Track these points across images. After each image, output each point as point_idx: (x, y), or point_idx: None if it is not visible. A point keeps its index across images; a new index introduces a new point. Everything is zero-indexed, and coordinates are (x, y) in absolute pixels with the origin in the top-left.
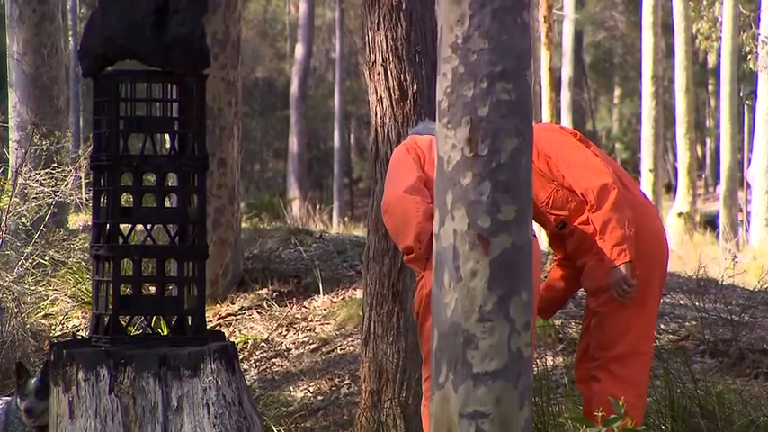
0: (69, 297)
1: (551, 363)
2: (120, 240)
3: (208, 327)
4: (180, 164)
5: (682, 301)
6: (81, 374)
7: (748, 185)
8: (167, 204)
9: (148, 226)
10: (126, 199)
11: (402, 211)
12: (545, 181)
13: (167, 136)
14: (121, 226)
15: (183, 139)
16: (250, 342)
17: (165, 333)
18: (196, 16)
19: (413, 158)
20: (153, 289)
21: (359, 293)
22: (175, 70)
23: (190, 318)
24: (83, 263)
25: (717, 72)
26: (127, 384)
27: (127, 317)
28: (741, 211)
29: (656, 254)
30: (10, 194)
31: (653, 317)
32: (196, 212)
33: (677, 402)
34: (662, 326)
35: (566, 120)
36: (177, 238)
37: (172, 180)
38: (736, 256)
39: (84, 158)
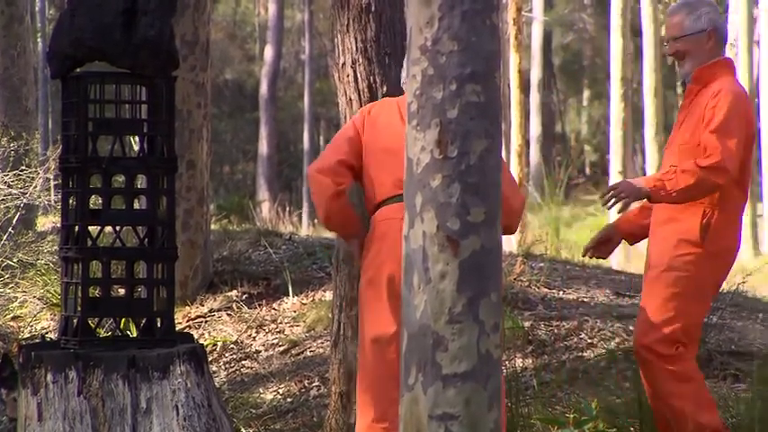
0: (38, 299)
1: (521, 364)
2: (89, 242)
3: (177, 329)
4: (149, 166)
5: None
6: (49, 377)
7: None
8: (136, 206)
9: (117, 228)
10: (95, 201)
11: (314, 188)
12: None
13: (136, 138)
14: (90, 228)
15: (152, 140)
16: (219, 344)
17: (134, 335)
18: (165, 18)
19: (352, 133)
20: (122, 291)
21: (328, 295)
22: (144, 72)
23: (159, 320)
24: (51, 265)
25: None
26: (95, 386)
27: (96, 319)
28: None
29: (731, 253)
30: None
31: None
32: (165, 214)
33: (646, 404)
34: (631, 327)
35: (535, 121)
36: (146, 239)
37: (141, 182)
38: None
39: (53, 160)
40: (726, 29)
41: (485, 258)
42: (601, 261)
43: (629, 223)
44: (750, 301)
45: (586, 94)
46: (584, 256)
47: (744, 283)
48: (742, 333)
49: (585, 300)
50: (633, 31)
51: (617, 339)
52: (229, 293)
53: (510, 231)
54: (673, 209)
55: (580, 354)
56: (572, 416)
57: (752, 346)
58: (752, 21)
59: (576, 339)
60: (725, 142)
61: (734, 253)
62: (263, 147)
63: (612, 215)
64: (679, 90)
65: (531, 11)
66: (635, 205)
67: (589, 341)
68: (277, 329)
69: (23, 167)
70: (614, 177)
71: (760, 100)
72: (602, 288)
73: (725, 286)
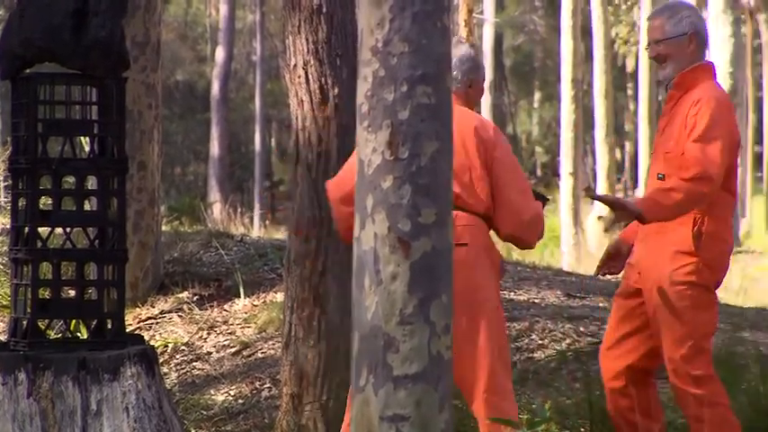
0: None
1: None
2: (39, 243)
3: (127, 330)
4: (99, 167)
5: (601, 304)
6: None
7: None
8: (87, 207)
9: (67, 229)
10: (45, 202)
11: (341, 224)
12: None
13: (87, 139)
14: (40, 229)
15: (103, 141)
16: (170, 346)
17: (85, 337)
18: (115, 19)
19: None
20: (72, 292)
21: (280, 297)
22: (95, 73)
23: (109, 321)
24: (1, 266)
25: (635, 76)
26: (45, 388)
27: (46, 320)
28: None
29: (726, 257)
30: None
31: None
32: (116, 216)
33: (596, 405)
34: (581, 328)
35: None
36: (97, 241)
37: (91, 183)
38: None
39: (3, 161)
40: (707, 33)
41: (436, 260)
42: (551, 263)
43: (635, 234)
44: None
45: (537, 95)
46: (596, 275)
47: None
48: None
49: (536, 301)
50: (584, 32)
51: (567, 340)
52: (180, 295)
53: (522, 243)
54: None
55: (531, 355)
56: (524, 417)
57: None
58: None
59: (526, 340)
60: (706, 150)
61: (728, 255)
62: (215, 148)
63: (564, 214)
64: (629, 92)
65: (482, 13)
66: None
67: (540, 342)
68: (228, 331)
69: None
70: (565, 179)
71: None
72: (553, 289)
73: None
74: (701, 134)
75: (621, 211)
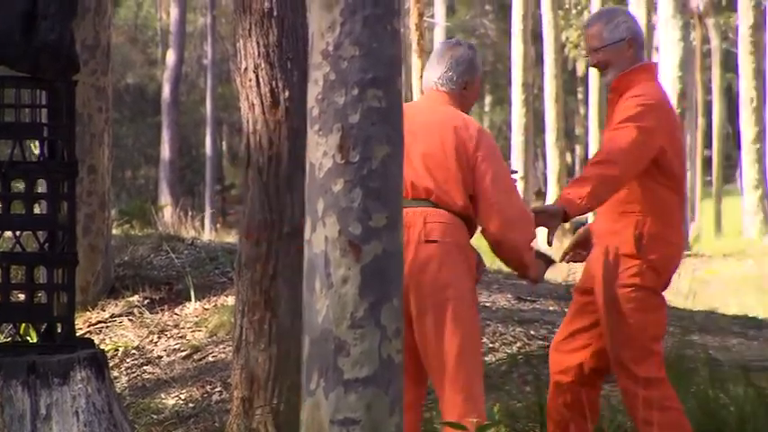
0: None
1: None
2: None
3: (78, 334)
4: (49, 170)
5: (551, 308)
6: None
7: None
8: (37, 211)
9: (17, 233)
10: None
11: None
12: None
13: (36, 142)
14: None
15: (53, 145)
16: (121, 349)
17: (34, 341)
18: (65, 22)
19: None
20: (22, 296)
21: (231, 300)
22: (45, 76)
23: (59, 325)
24: None
25: (586, 80)
26: None
27: None
28: None
29: (672, 259)
30: None
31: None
32: (66, 219)
33: (546, 408)
34: (532, 332)
35: None
36: (47, 244)
37: (41, 187)
38: None
39: None
40: (643, 35)
41: (387, 263)
42: (502, 266)
43: None
44: None
45: (488, 99)
46: (561, 261)
47: None
48: None
49: (487, 304)
50: (534, 37)
51: (518, 344)
52: (131, 298)
53: (508, 245)
54: (610, 220)
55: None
56: (474, 420)
57: None
58: (650, 28)
59: None
60: (615, 137)
61: (676, 257)
62: (166, 151)
63: None
64: (580, 96)
65: (432, 16)
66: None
67: (491, 345)
68: (179, 335)
69: None
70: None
71: None
72: (504, 293)
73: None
74: (616, 125)
75: (545, 217)
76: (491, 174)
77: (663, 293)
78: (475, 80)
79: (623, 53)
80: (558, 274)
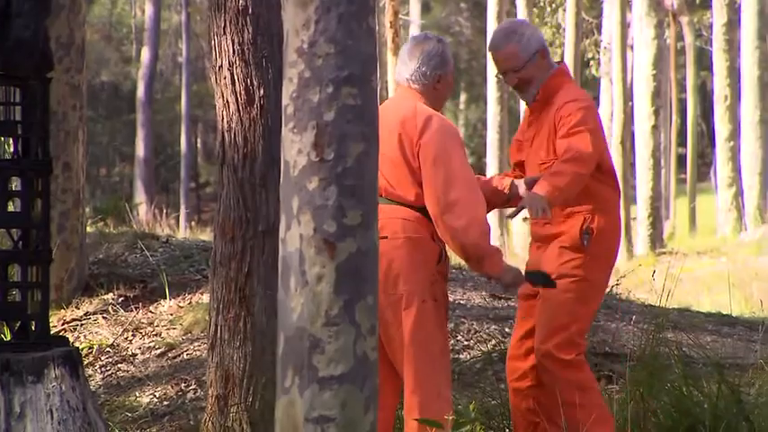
0: None
1: None
2: None
3: (52, 332)
4: (23, 168)
5: None
6: None
7: None
8: (10, 208)
9: None
10: None
11: None
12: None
13: (10, 140)
14: None
15: (27, 142)
16: (95, 347)
17: (8, 339)
18: (39, 19)
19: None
20: None
21: (206, 298)
22: (18, 73)
23: (33, 323)
24: None
25: None
26: None
27: None
28: None
29: (614, 253)
30: None
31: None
32: (40, 217)
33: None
34: (507, 329)
35: None
36: (21, 242)
37: (15, 184)
38: None
39: None
40: (545, 40)
41: (361, 261)
42: None
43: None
44: (624, 303)
45: (463, 97)
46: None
47: (617, 285)
48: (615, 335)
49: (462, 302)
50: None
51: (493, 341)
52: (105, 296)
53: (442, 226)
54: (555, 223)
55: (456, 356)
56: (449, 417)
57: (625, 348)
58: (625, 25)
59: (452, 341)
60: (573, 140)
61: (616, 253)
62: (140, 149)
63: (489, 216)
64: None
65: (408, 14)
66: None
67: (465, 343)
68: (154, 332)
69: None
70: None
71: (633, 103)
72: (479, 290)
73: None
74: (567, 131)
75: (540, 203)
76: (431, 158)
77: (602, 290)
78: (447, 74)
79: (540, 65)
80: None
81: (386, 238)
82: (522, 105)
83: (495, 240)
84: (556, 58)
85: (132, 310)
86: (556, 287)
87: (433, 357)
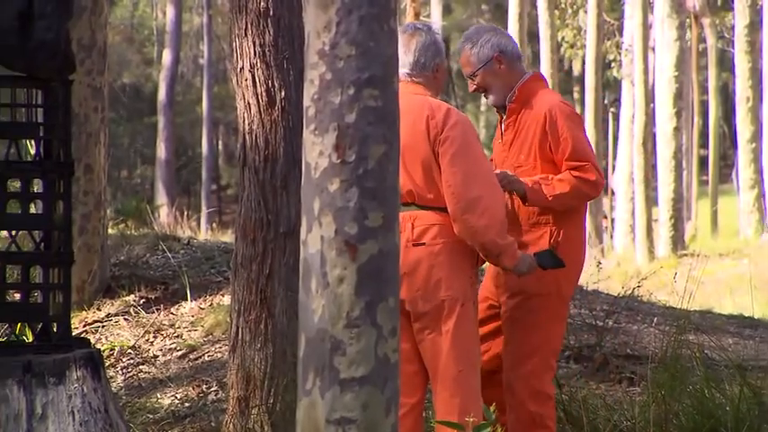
0: None
1: None
2: None
3: (74, 334)
4: (45, 170)
5: None
6: None
7: (613, 192)
8: (32, 210)
9: (13, 232)
10: None
11: None
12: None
13: (32, 142)
14: None
15: (49, 144)
16: (117, 349)
17: (30, 340)
18: (61, 21)
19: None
20: (17, 296)
21: (227, 300)
22: (41, 75)
23: (55, 325)
24: None
25: (582, 80)
26: None
27: None
28: (606, 217)
29: (581, 263)
30: None
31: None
32: (62, 219)
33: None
34: None
35: None
36: (42, 244)
37: (37, 186)
38: (600, 263)
39: None
40: (515, 45)
41: (383, 263)
42: None
43: None
44: (645, 305)
45: (484, 99)
46: None
47: (639, 287)
48: (637, 337)
49: None
50: (530, 36)
51: None
52: (127, 298)
53: (461, 224)
54: (519, 233)
55: None
56: (470, 419)
57: (646, 350)
58: (646, 27)
59: None
60: (592, 160)
61: (583, 262)
62: (162, 151)
63: None
64: (576, 95)
65: (429, 16)
66: None
67: None
68: (175, 334)
69: None
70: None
71: (655, 104)
72: None
73: (621, 290)
74: (576, 148)
75: (507, 178)
76: (450, 155)
77: (569, 304)
78: (443, 62)
79: (496, 71)
80: None
81: (424, 244)
82: None
83: None
84: (577, 61)
85: (153, 312)
86: (565, 266)
87: (472, 360)
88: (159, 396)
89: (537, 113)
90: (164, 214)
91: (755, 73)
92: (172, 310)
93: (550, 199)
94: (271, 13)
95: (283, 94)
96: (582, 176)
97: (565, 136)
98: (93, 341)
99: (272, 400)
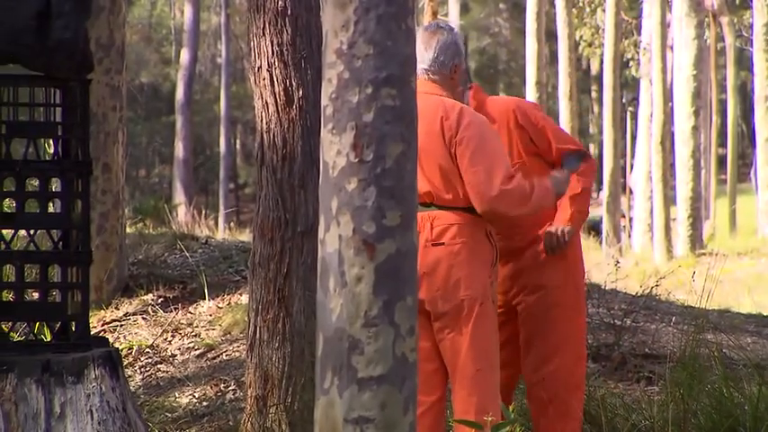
0: None
1: None
2: (3, 246)
3: (92, 333)
4: (63, 169)
5: None
6: None
7: (631, 191)
8: (51, 210)
9: (31, 231)
10: (8, 204)
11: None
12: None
13: (51, 141)
14: (4, 231)
15: (67, 143)
16: (135, 348)
17: (49, 339)
18: (80, 20)
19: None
20: (36, 295)
21: (245, 299)
22: (59, 74)
23: (73, 324)
24: None
25: (600, 79)
26: (9, 391)
27: (9, 323)
28: (624, 216)
29: (582, 258)
30: None
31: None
32: (80, 218)
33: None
34: None
35: None
36: (61, 243)
37: (55, 185)
38: (618, 262)
39: None
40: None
41: (401, 262)
42: None
43: None
44: (663, 304)
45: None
46: None
47: (657, 286)
48: (655, 336)
49: None
50: (548, 35)
51: None
52: (145, 297)
53: (497, 215)
54: (524, 235)
55: None
56: (489, 419)
57: (665, 349)
58: (665, 26)
59: None
60: (576, 141)
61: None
62: (180, 150)
63: None
64: (594, 94)
65: (446, 15)
66: None
67: None
68: (193, 333)
69: None
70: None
71: (673, 103)
72: None
73: (639, 290)
74: (554, 137)
75: (560, 240)
76: (468, 157)
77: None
78: (461, 63)
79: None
80: None
81: (443, 244)
82: (561, 106)
83: None
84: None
85: (171, 311)
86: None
87: (491, 359)
88: (177, 395)
89: (501, 115)
90: (182, 213)
91: None
92: (190, 309)
93: (583, 214)
94: (288, 12)
95: (301, 93)
96: (587, 166)
97: (541, 125)
98: (111, 340)
99: (289, 399)
